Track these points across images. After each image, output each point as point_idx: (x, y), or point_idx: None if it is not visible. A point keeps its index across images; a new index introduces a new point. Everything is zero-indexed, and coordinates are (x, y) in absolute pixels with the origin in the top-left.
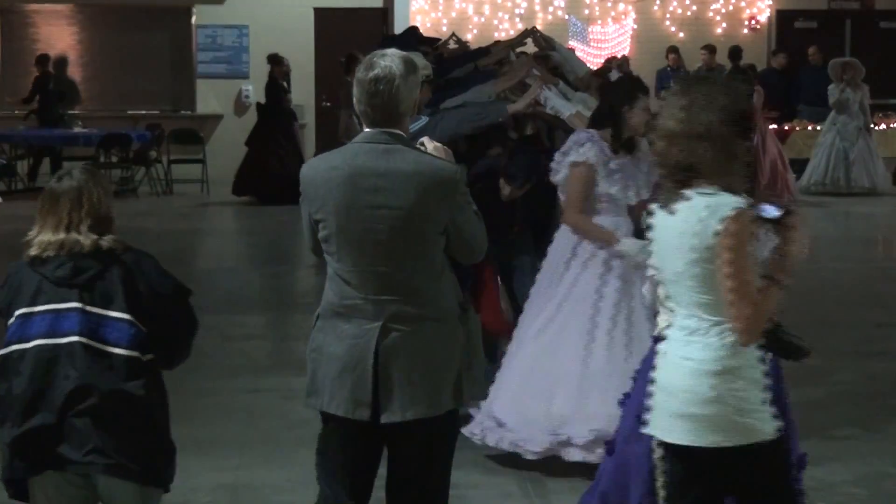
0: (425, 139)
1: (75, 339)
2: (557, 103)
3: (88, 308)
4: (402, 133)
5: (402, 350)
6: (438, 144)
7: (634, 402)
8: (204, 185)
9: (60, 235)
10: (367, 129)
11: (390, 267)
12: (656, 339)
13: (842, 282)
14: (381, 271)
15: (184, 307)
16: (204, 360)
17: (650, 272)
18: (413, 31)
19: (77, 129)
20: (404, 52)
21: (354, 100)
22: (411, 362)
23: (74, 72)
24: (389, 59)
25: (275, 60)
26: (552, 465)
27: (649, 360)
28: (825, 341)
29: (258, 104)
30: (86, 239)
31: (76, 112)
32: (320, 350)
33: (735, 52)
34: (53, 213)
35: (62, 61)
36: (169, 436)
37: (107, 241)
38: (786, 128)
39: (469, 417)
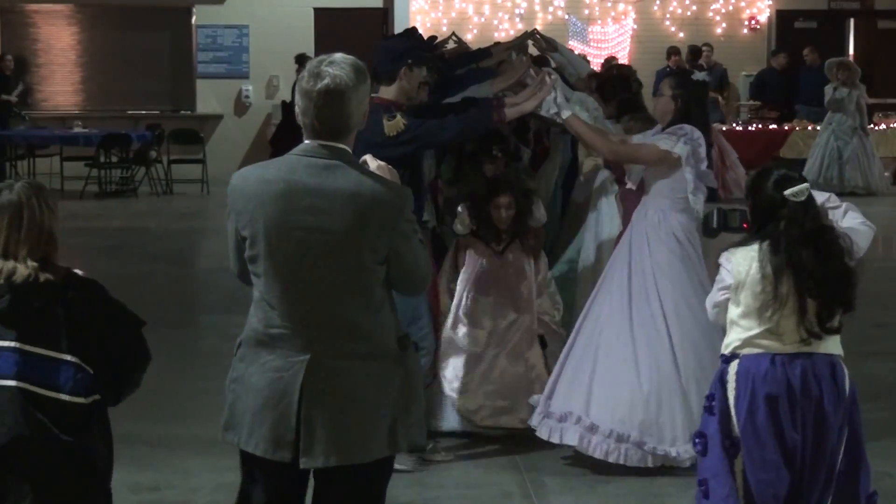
0: (368, 157)
1: (13, 383)
2: (555, 106)
3: (28, 348)
4: (345, 148)
5: (330, 389)
6: (382, 164)
7: (718, 434)
8: (204, 185)
9: None
10: (307, 141)
11: (323, 296)
12: (727, 360)
13: None
14: (313, 300)
15: (134, 342)
16: (204, 359)
17: (722, 296)
18: (413, 31)
19: (77, 129)
20: (352, 58)
21: (298, 110)
22: (339, 403)
23: (75, 72)
24: (339, 68)
25: (302, 61)
26: (552, 465)
27: (722, 384)
28: None
29: (283, 102)
30: (24, 267)
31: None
32: (241, 381)
33: (695, 53)
34: None
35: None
36: (108, 485)
37: (45, 273)
38: (786, 128)
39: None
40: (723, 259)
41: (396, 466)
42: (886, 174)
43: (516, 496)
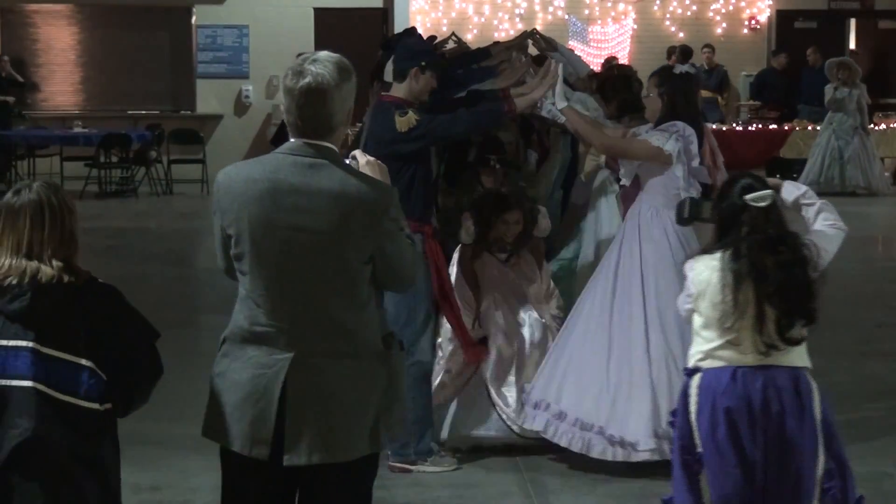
0: (357, 152)
1: (29, 383)
2: (554, 107)
3: (44, 350)
4: (331, 146)
5: (314, 387)
6: (371, 159)
7: (678, 449)
8: (204, 185)
9: (21, 261)
10: (293, 140)
11: (307, 295)
12: (690, 374)
13: (840, 282)
14: (297, 299)
15: (149, 353)
16: (204, 360)
17: (688, 305)
18: (412, 31)
19: (77, 129)
20: (337, 56)
21: (283, 109)
22: (322, 401)
23: (75, 72)
24: (322, 66)
25: None
26: (552, 465)
27: (684, 398)
28: (825, 341)
29: None
30: (49, 268)
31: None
32: (223, 376)
33: (685, 53)
34: (12, 232)
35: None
36: (119, 498)
37: (69, 273)
38: (786, 128)
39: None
40: (686, 267)
41: (431, 469)
42: (886, 174)
43: (516, 496)
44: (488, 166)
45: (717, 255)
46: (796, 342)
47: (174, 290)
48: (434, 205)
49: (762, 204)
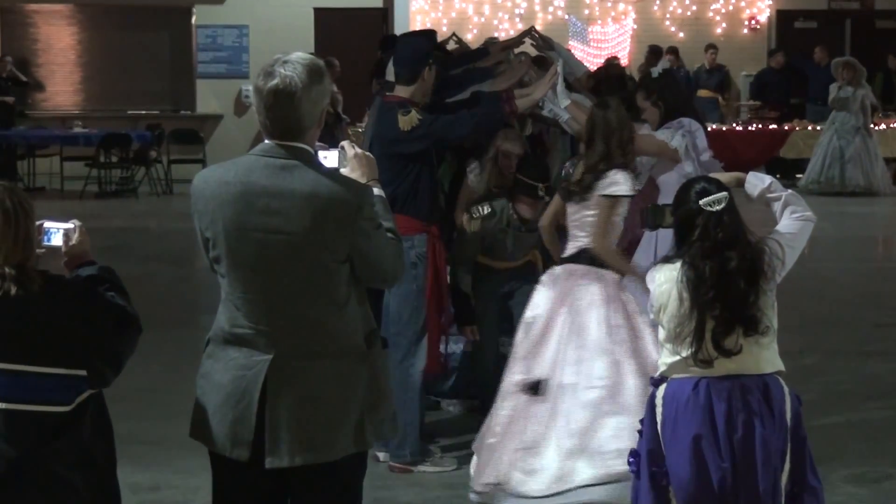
0: (346, 143)
1: (1, 405)
2: (555, 107)
3: (8, 367)
4: (304, 147)
5: (294, 388)
6: (360, 151)
7: (646, 460)
8: None
9: None
10: (267, 141)
11: (284, 296)
12: (656, 383)
13: (840, 282)
14: (275, 300)
15: (120, 333)
16: None
17: (651, 316)
18: (432, 32)
19: (77, 129)
20: (310, 57)
21: (254, 108)
22: (302, 402)
23: (75, 71)
24: (291, 68)
25: (326, 63)
26: None
27: (651, 408)
28: (824, 341)
29: None
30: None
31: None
32: (207, 377)
33: (656, 53)
34: None
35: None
36: (114, 477)
37: (21, 282)
38: (786, 128)
39: None
40: (648, 279)
41: (431, 469)
42: (886, 174)
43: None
44: (537, 197)
45: (677, 263)
46: (731, 353)
47: (174, 290)
48: (440, 209)
49: (716, 207)
